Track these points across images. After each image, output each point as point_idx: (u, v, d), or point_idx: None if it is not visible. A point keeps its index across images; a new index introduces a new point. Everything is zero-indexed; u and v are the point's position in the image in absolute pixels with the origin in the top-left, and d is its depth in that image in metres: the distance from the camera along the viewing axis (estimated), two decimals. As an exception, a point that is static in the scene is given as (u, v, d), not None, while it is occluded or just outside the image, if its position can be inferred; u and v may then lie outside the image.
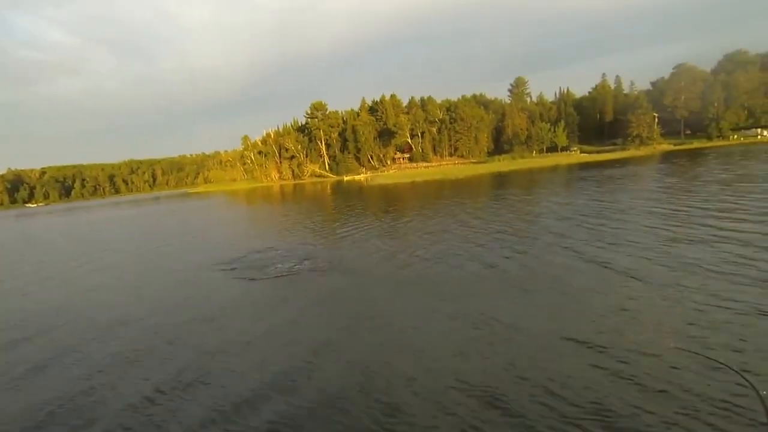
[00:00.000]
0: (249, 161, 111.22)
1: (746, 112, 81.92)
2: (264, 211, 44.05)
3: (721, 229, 14.14)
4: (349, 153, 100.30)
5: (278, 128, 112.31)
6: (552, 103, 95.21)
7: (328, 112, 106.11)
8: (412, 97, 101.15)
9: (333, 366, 7.53)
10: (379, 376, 7.01)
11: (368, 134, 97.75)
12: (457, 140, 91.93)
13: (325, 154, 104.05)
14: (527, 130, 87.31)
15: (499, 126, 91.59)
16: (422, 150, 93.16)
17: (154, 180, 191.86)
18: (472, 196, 35.75)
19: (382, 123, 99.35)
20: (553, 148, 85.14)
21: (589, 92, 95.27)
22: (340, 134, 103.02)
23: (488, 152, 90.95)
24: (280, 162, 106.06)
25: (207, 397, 6.87)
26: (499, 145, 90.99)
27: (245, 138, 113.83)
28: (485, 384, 6.47)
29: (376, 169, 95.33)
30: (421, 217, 24.73)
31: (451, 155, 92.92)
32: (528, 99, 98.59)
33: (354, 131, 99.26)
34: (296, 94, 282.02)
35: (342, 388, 6.79)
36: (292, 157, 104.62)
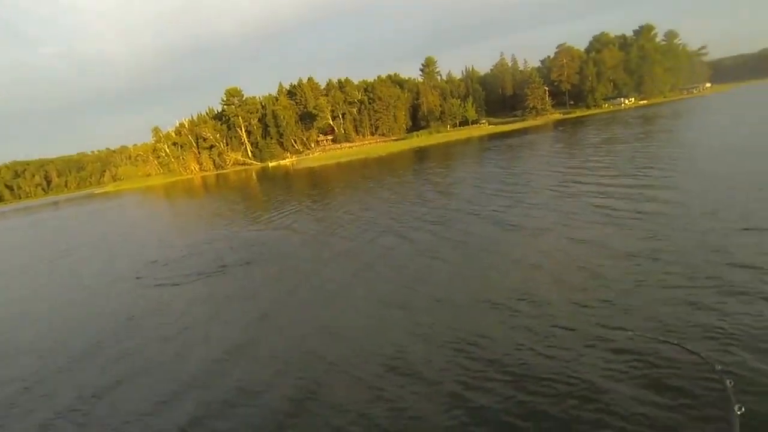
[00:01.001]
0: (164, 154, 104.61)
1: (612, 84, 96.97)
2: (184, 206, 40.64)
3: (586, 183, 16.26)
4: (271, 138, 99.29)
5: (193, 117, 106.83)
6: (460, 80, 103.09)
7: (245, 98, 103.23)
8: (330, 80, 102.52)
9: (251, 359, 7.30)
10: (299, 358, 6.93)
11: (289, 118, 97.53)
12: (377, 119, 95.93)
13: (246, 141, 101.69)
14: (440, 106, 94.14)
15: (415, 104, 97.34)
16: (344, 131, 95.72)
17: (49, 183, 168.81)
18: (394, 172, 36.27)
19: (302, 106, 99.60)
20: (464, 122, 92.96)
21: (491, 69, 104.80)
22: (260, 120, 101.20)
23: (407, 129, 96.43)
24: (199, 153, 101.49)
25: (126, 401, 6.64)
26: (417, 122, 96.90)
27: (156, 129, 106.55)
28: (402, 356, 6.41)
29: (301, 152, 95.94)
30: (345, 197, 24.53)
31: (372, 134, 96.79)
32: (439, 77, 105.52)
33: (274, 116, 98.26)
34: (209, 81, 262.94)
35: (261, 378, 6.65)
36: (212, 146, 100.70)
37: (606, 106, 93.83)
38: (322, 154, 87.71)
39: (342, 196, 26.28)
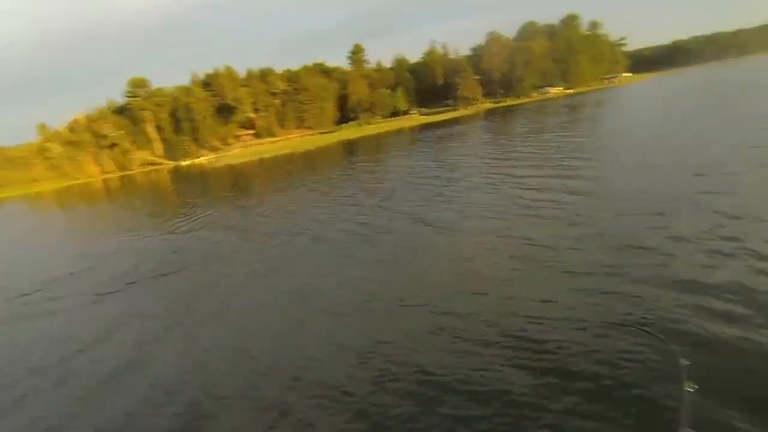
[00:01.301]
0: (54, 155, 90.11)
1: (540, 73, 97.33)
2: (80, 215, 34.95)
3: (514, 176, 15.61)
4: (185, 135, 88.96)
5: (89, 112, 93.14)
6: (390, 69, 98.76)
7: (152, 90, 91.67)
8: (250, 69, 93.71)
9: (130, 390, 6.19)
10: (189, 385, 5.99)
11: (205, 112, 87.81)
12: (303, 111, 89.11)
13: (155, 138, 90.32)
14: (370, 96, 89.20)
15: (343, 94, 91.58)
16: (267, 125, 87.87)
17: None
18: (321, 168, 34.77)
19: (219, 98, 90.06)
20: (395, 113, 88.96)
21: (421, 58, 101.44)
22: (171, 114, 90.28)
23: (335, 121, 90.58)
24: (99, 152, 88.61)
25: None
26: (345, 114, 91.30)
27: (42, 127, 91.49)
28: (312, 367, 5.74)
29: (219, 149, 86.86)
30: (266, 197, 23.07)
31: (298, 127, 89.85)
32: (367, 66, 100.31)
33: (188, 109, 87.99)
34: (107, 71, 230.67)
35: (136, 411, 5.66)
36: (113, 144, 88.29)
37: (535, 96, 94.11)
38: (243, 150, 79.85)
39: (262, 196, 24.76)
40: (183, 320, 8.03)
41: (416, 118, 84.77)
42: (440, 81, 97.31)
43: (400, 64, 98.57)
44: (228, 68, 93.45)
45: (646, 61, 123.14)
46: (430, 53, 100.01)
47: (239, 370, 5.96)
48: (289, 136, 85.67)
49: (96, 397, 5.99)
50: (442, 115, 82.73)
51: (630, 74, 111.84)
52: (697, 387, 1.74)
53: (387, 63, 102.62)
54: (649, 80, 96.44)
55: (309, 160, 45.74)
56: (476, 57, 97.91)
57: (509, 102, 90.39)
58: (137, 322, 8.34)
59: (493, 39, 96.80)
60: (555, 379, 4.41)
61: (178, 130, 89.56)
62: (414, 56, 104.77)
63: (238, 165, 58.43)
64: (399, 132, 66.06)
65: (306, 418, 4.71)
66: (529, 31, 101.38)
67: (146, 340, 7.45)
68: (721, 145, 14.52)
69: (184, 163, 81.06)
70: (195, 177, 51.79)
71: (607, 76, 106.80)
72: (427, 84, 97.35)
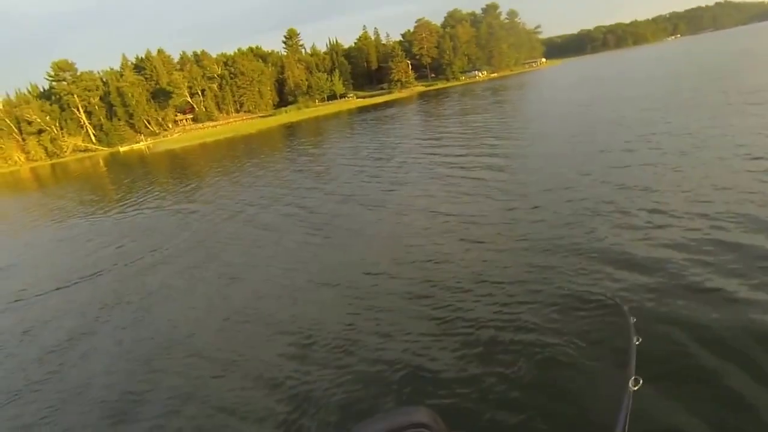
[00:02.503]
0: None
1: (467, 58, 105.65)
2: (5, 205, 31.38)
3: (442, 155, 16.35)
4: (119, 120, 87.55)
5: (9, 96, 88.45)
6: (325, 53, 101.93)
7: (79, 74, 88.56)
8: (184, 53, 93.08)
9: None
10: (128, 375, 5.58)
11: (139, 96, 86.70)
12: (242, 95, 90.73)
13: (87, 123, 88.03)
14: (307, 80, 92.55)
15: (281, 78, 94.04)
16: (206, 108, 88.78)
17: None
18: (263, 151, 34.00)
19: (153, 82, 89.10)
20: (332, 96, 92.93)
21: (355, 43, 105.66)
22: (102, 99, 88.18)
23: (274, 105, 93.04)
24: (24, 139, 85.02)
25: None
26: (284, 97, 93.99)
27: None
28: (239, 356, 5.38)
29: (157, 134, 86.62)
30: (209, 181, 22.25)
31: (237, 111, 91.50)
32: (303, 50, 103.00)
33: (120, 94, 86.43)
34: (23, 54, 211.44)
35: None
36: (40, 131, 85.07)
37: (463, 79, 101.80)
38: (183, 135, 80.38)
39: (205, 179, 23.59)
40: (103, 321, 7.25)
41: (353, 101, 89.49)
42: (374, 65, 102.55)
43: (335, 49, 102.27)
44: (161, 52, 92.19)
45: (559, 48, 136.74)
46: (364, 38, 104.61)
47: (160, 360, 5.60)
48: (229, 120, 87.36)
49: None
50: (378, 98, 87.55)
51: (545, 60, 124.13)
52: (641, 340, 1.76)
53: (322, 48, 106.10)
54: (562, 65, 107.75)
55: (251, 143, 45.69)
56: (407, 42, 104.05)
57: (440, 85, 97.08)
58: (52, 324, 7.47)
59: (422, 25, 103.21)
60: (511, 343, 4.39)
61: (111, 115, 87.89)
62: (347, 41, 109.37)
63: (179, 150, 58.31)
64: (337, 115, 67.94)
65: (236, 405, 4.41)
66: (454, 18, 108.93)
67: (52, 346, 6.59)
68: (620, 126, 15.12)
69: (122, 149, 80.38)
70: (134, 163, 50.70)
71: (528, 61, 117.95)
72: (362, 68, 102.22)
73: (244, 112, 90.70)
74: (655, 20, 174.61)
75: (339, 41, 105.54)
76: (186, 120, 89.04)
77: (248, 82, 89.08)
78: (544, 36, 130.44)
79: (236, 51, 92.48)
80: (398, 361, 4.50)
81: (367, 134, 31.01)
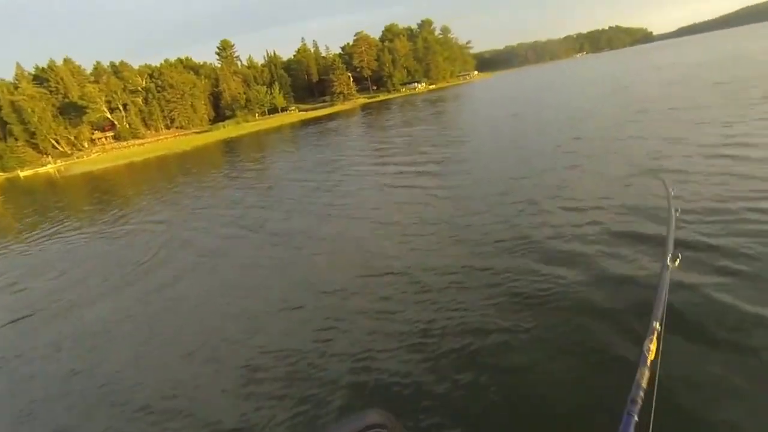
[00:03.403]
0: None
1: (406, 70, 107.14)
2: None
3: (386, 164, 16.36)
4: (16, 139, 74.90)
5: None
6: (263, 66, 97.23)
7: (-41, 87, 74.66)
8: (98, 63, 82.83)
9: None
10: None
11: (42, 112, 75.00)
12: (172, 110, 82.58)
13: (-27, 145, 74.14)
14: (245, 93, 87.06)
15: (216, 92, 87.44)
16: (130, 125, 79.31)
17: None
18: (200, 169, 31.34)
19: (61, 96, 77.85)
20: (273, 110, 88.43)
21: (294, 55, 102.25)
22: (-8, 115, 75.02)
23: (210, 120, 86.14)
24: None
25: None
26: (220, 112, 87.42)
27: None
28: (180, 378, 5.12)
29: (70, 155, 75.47)
30: (133, 206, 19.36)
31: (168, 128, 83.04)
32: (239, 62, 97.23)
33: (16, 109, 74.12)
34: None
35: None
36: None
37: (404, 91, 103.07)
38: (102, 155, 70.76)
39: (132, 203, 20.71)
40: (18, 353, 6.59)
41: (296, 114, 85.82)
42: (315, 78, 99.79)
43: (273, 61, 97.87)
44: (68, 61, 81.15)
45: (488, 62, 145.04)
46: (303, 51, 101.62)
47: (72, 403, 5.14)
48: (158, 137, 78.67)
49: None
50: (321, 110, 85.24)
51: (477, 72, 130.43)
52: (679, 210, 1.99)
53: (259, 60, 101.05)
54: (492, 78, 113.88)
55: (187, 161, 42.63)
56: (347, 55, 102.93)
57: (382, 97, 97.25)
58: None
59: (362, 38, 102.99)
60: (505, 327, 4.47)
61: (6, 135, 74.90)
62: (285, 53, 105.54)
63: (99, 172, 51.45)
64: (279, 129, 65.55)
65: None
66: (392, 32, 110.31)
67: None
68: (550, 130, 16.46)
69: (23, 173, 68.65)
70: (39, 189, 44.08)
71: (462, 74, 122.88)
72: (303, 81, 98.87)
73: (176, 128, 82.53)
74: (566, 39, 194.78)
75: (277, 53, 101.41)
76: (106, 138, 78.71)
77: (179, 96, 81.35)
78: (474, 51, 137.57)
79: (163, 62, 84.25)
80: (367, 376, 4.31)
81: (311, 148, 30.38)
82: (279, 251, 8.85)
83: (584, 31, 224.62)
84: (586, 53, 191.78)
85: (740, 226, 5.49)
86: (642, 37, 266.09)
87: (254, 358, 5.05)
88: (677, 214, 2.10)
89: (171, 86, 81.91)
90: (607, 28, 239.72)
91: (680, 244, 4.04)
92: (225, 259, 9.13)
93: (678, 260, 1.58)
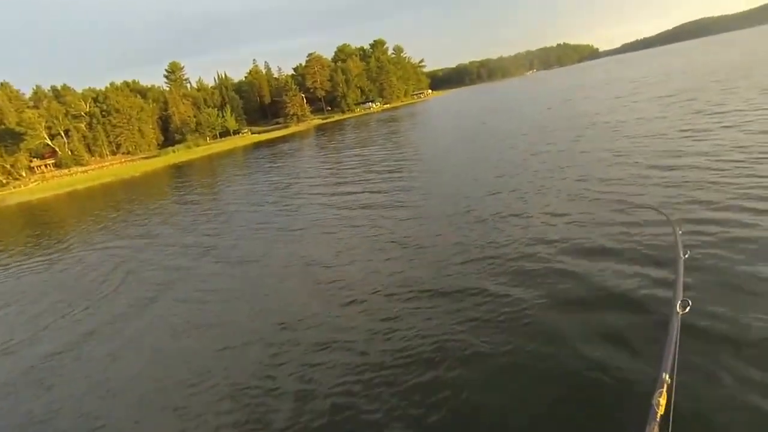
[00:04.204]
0: None
1: (360, 90, 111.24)
2: None
3: (341, 186, 16.55)
4: (-54, 169, 72.46)
5: None
6: (213, 88, 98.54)
7: None
8: (38, 87, 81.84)
9: None
10: None
11: (-25, 140, 73.18)
12: (118, 135, 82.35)
13: None
14: (195, 117, 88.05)
15: (165, 115, 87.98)
16: (72, 152, 78.39)
17: None
18: (148, 196, 30.84)
19: (-5, 123, 76.23)
20: (225, 133, 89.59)
21: (246, 77, 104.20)
22: None
23: (159, 144, 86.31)
24: None
25: None
26: (170, 136, 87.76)
27: None
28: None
29: (5, 185, 73.58)
30: (81, 235, 18.93)
31: (114, 153, 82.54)
32: (189, 85, 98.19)
33: (-54, 138, 71.96)
34: None
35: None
36: None
37: (358, 111, 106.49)
38: (42, 184, 69.35)
39: (71, 234, 19.90)
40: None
41: (249, 137, 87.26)
42: (268, 99, 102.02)
43: (224, 84, 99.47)
44: (5, 86, 79.68)
45: (441, 80, 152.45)
46: (254, 72, 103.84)
47: None
48: (103, 163, 78.08)
49: None
50: (274, 132, 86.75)
51: (431, 91, 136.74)
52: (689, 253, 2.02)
53: (209, 82, 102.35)
54: (446, 95, 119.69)
55: (134, 187, 42.00)
56: (300, 76, 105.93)
57: (337, 117, 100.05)
58: None
59: (314, 59, 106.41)
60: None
61: (-66, 164, 72.29)
62: (236, 75, 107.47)
63: (37, 201, 50.29)
64: (232, 152, 65.92)
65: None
66: (344, 53, 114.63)
67: None
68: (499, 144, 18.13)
69: (-47, 205, 66.36)
70: None
71: (416, 92, 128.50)
72: (255, 103, 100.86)
73: (123, 153, 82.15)
74: (517, 57, 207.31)
75: (228, 75, 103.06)
76: (46, 166, 77.26)
77: (125, 120, 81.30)
78: (428, 69, 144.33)
79: (108, 86, 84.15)
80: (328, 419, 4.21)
81: (264, 172, 29.76)
82: (230, 282, 8.63)
83: (534, 48, 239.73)
84: (537, 70, 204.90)
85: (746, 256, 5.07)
86: (589, 53, 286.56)
87: (208, 404, 4.91)
88: (686, 257, 1.98)
89: (117, 110, 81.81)
90: (555, 45, 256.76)
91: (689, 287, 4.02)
92: (171, 293, 8.77)
93: (688, 307, 1.47)
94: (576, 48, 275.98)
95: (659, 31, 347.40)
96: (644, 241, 6.10)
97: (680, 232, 2.34)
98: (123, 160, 79.33)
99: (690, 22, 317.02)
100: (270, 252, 10.14)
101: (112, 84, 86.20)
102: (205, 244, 12.14)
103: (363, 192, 14.64)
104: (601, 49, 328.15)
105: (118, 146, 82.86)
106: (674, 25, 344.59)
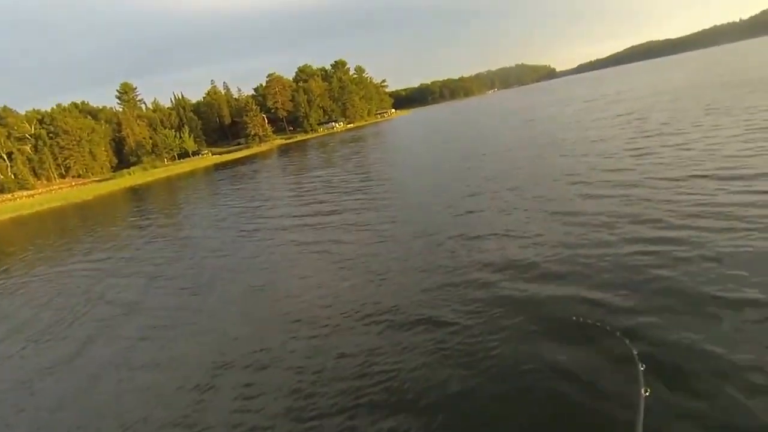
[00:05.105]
0: None
1: (322, 110, 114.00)
2: None
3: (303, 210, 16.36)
4: None
5: None
6: (170, 109, 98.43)
7: None
8: (-25, 109, 79.35)
9: None
10: None
11: None
12: (67, 158, 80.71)
13: None
14: (151, 138, 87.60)
15: (118, 137, 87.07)
16: (15, 176, 76.13)
17: None
18: (99, 222, 29.48)
19: (-71, 147, 73.26)
20: (184, 154, 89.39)
21: (204, 97, 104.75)
22: None
23: (113, 167, 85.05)
24: None
25: None
26: (124, 158, 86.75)
27: None
28: None
29: (-61, 212, 70.26)
30: (23, 267, 17.49)
31: (63, 176, 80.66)
32: (143, 106, 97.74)
33: None
34: None
35: None
36: None
37: (321, 131, 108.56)
38: (-20, 211, 66.74)
39: (13, 266, 18.37)
40: None
41: (209, 158, 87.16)
42: (228, 120, 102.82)
43: (181, 104, 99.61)
44: (-62, 109, 77.00)
45: (405, 100, 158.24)
46: (213, 93, 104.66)
47: None
48: (51, 187, 76.11)
49: None
50: (235, 153, 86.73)
51: (395, 110, 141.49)
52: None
53: (166, 103, 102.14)
54: (409, 114, 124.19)
55: (87, 212, 40.50)
56: (260, 97, 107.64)
57: (299, 137, 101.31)
58: None
59: (275, 79, 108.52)
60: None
61: None
62: (194, 96, 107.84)
63: None
64: (192, 174, 65.30)
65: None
66: (306, 73, 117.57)
67: None
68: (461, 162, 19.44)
69: None
70: None
71: (380, 112, 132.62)
72: (215, 123, 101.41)
73: (73, 176, 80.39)
74: (478, 76, 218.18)
75: (185, 96, 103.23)
76: (-15, 191, 74.59)
77: (75, 142, 79.94)
78: (391, 89, 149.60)
79: (55, 107, 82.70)
80: None
81: (224, 195, 29.29)
82: (179, 315, 8.32)
83: (494, 68, 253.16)
84: (497, 89, 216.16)
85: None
86: (547, 73, 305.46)
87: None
88: (647, 395, 1.96)
89: (66, 132, 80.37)
90: (514, 65, 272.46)
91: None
92: (111, 331, 8.32)
93: None
94: (534, 68, 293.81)
95: (612, 53, 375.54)
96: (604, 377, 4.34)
97: (642, 367, 2.29)
98: (73, 183, 77.52)
99: (639, 45, 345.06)
100: (223, 281, 9.98)
101: (59, 105, 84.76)
102: (157, 274, 11.76)
103: (324, 215, 14.61)
104: (558, 69, 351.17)
105: (68, 169, 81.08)
106: (625, 47, 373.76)
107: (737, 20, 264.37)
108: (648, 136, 15.62)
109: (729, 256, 5.76)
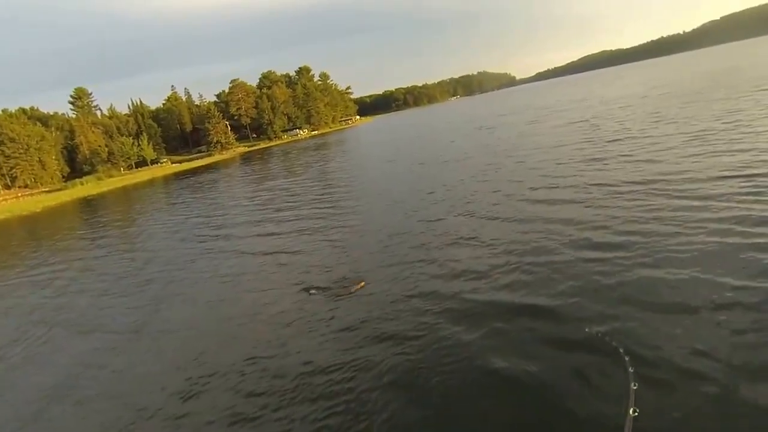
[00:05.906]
0: None
1: (287, 117, 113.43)
2: None
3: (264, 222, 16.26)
4: None
5: None
6: (127, 115, 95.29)
7: None
8: None
9: None
10: None
11: None
12: (13, 167, 76.54)
13: None
14: (107, 146, 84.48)
15: (71, 145, 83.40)
16: (-45, 187, 71.60)
17: None
18: (48, 236, 28.28)
19: None
20: (142, 163, 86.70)
21: (164, 104, 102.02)
22: None
23: (64, 177, 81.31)
24: None
25: None
26: (77, 167, 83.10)
27: None
28: None
29: None
30: None
31: (8, 187, 76.39)
32: (99, 112, 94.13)
33: None
34: None
35: None
36: None
37: (285, 138, 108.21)
38: None
39: None
40: None
41: (168, 166, 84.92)
42: (189, 127, 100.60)
43: (139, 111, 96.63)
44: None
45: (369, 106, 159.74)
46: (173, 99, 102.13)
47: None
48: (-4, 198, 72.05)
49: None
50: (196, 161, 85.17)
51: (360, 117, 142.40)
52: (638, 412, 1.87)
53: (123, 109, 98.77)
54: (374, 121, 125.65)
55: (35, 225, 38.97)
56: (223, 103, 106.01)
57: (263, 145, 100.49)
58: None
59: (238, 86, 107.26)
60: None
61: None
62: (153, 102, 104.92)
63: None
64: (151, 183, 63.41)
65: None
66: (269, 79, 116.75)
67: None
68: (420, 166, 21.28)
69: None
70: None
71: (344, 118, 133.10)
72: (175, 131, 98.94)
73: (19, 187, 76.26)
74: (441, 83, 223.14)
75: (143, 102, 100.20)
76: None
77: (22, 150, 75.97)
78: (355, 96, 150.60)
79: (1, 112, 78.45)
80: None
81: (184, 205, 28.86)
82: (137, 343, 7.82)
83: (457, 76, 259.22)
84: (460, 96, 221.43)
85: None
86: (507, 81, 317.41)
87: None
88: (635, 414, 1.95)
89: (11, 140, 76.32)
90: (476, 73, 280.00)
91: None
92: (59, 357, 7.87)
93: None
94: (495, 76, 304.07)
95: (568, 62, 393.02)
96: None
97: (634, 386, 2.22)
98: (20, 194, 73.54)
99: (593, 54, 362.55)
100: (175, 297, 9.72)
101: (5, 110, 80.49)
102: (105, 291, 11.36)
103: (288, 221, 14.80)
104: (518, 77, 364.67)
105: (14, 179, 76.89)
106: (579, 57, 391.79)
107: (681, 32, 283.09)
108: (597, 142, 17.03)
109: (678, 259, 6.21)
